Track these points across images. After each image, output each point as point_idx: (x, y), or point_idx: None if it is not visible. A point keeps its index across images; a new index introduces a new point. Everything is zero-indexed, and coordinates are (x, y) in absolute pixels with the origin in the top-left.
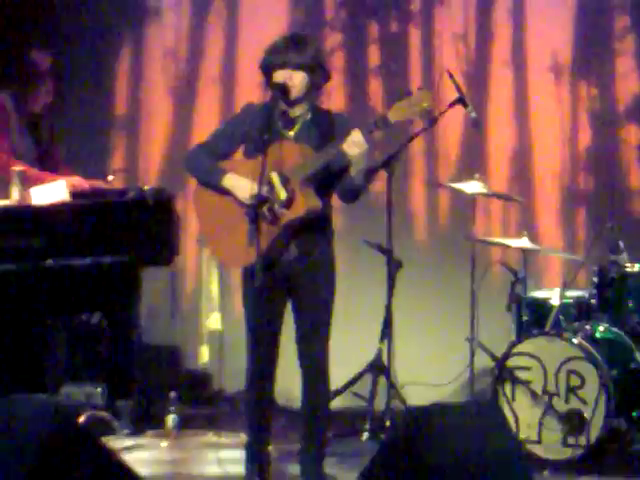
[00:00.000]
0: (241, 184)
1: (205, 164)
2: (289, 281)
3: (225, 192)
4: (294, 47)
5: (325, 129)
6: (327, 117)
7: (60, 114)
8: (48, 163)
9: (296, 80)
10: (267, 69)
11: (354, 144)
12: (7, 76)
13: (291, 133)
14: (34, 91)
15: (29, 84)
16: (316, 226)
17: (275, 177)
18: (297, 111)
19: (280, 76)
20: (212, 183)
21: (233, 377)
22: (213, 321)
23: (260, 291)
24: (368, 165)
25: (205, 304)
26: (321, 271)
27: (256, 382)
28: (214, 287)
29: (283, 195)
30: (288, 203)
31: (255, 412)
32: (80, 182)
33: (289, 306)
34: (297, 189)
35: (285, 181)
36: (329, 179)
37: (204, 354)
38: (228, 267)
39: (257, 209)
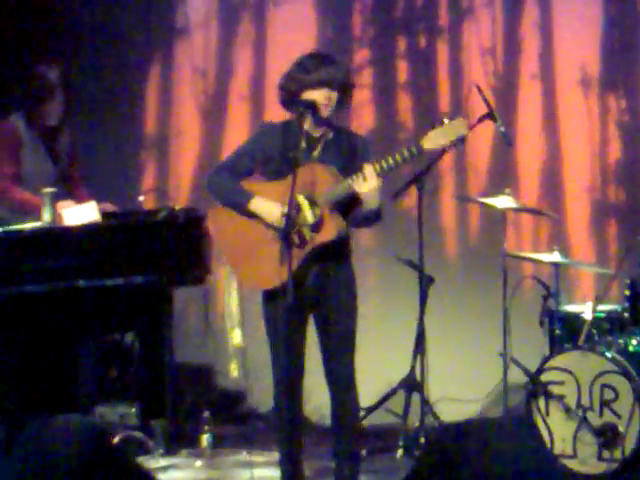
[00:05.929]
0: (269, 208)
1: (229, 187)
2: (310, 300)
3: (251, 215)
4: (331, 65)
5: (347, 150)
6: (348, 137)
7: (80, 129)
8: (67, 183)
9: (333, 99)
10: (299, 88)
11: (364, 180)
12: (18, 95)
13: (315, 153)
14: (47, 105)
15: (41, 99)
16: (336, 245)
17: (303, 200)
18: (320, 130)
19: (316, 95)
20: (238, 207)
21: (266, 395)
22: (235, 337)
23: (288, 310)
24: (381, 203)
25: (226, 321)
26: (342, 288)
27: (284, 400)
28: (234, 303)
29: (311, 219)
30: (318, 227)
31: (285, 429)
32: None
33: (312, 322)
34: (325, 212)
35: (313, 204)
36: (352, 203)
37: (234, 369)
38: (249, 289)
39: (288, 233)
